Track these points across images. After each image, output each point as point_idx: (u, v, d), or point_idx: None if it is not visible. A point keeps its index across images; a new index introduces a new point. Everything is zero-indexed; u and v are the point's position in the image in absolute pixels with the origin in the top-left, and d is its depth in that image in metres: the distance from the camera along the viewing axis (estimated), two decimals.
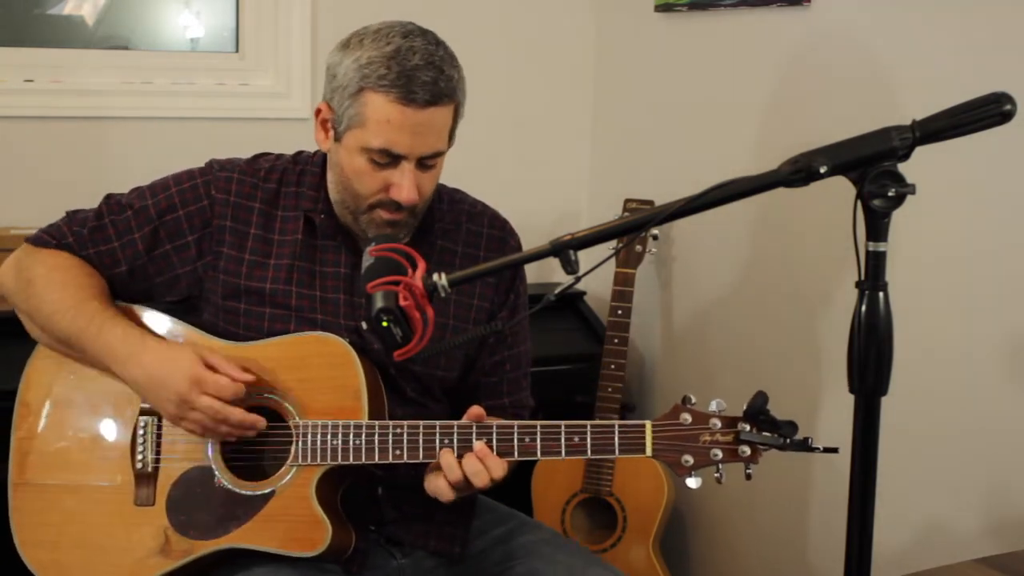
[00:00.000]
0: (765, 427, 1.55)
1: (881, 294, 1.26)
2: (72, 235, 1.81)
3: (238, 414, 1.67)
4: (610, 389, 2.61)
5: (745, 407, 1.56)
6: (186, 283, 1.81)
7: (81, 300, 1.74)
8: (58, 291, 1.75)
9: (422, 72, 1.64)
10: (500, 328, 1.82)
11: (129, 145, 2.68)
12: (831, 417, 2.28)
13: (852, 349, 1.27)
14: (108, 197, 1.85)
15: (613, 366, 2.61)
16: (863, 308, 1.26)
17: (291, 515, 1.68)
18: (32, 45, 2.70)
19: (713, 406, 1.58)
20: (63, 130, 2.64)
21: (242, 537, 1.69)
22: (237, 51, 2.86)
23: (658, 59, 2.84)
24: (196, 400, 1.66)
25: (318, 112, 1.75)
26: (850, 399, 1.29)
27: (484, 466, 1.61)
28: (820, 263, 2.34)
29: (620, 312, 2.64)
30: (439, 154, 1.71)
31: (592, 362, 2.70)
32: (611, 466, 2.60)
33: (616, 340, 2.62)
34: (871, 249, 1.25)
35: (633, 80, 2.96)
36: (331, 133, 1.74)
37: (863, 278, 1.26)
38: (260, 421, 1.69)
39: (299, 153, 1.89)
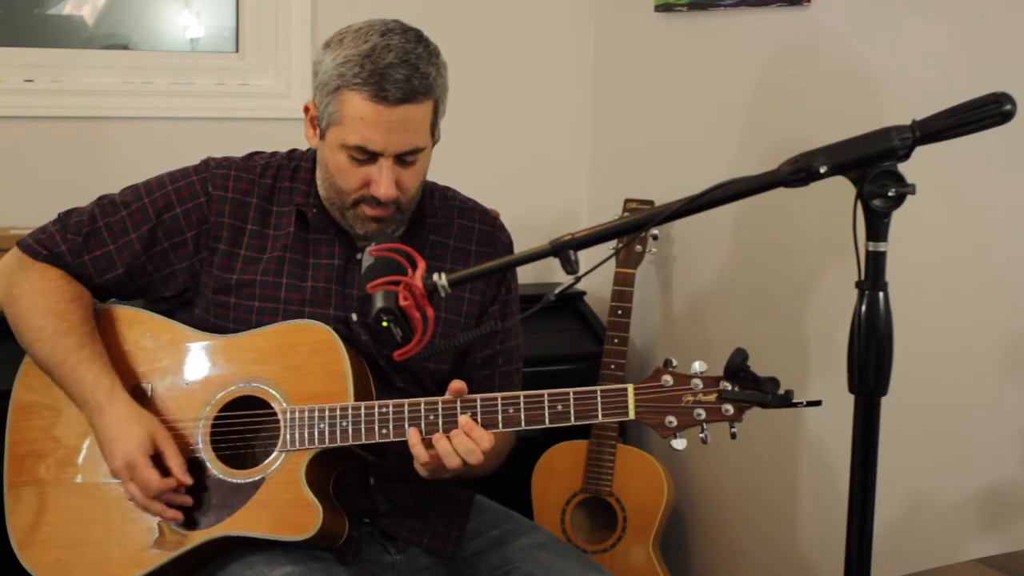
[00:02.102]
0: (747, 384, 1.54)
1: (881, 294, 1.26)
2: (66, 243, 1.81)
3: (155, 487, 1.68)
4: None
5: (725, 364, 1.54)
6: (183, 278, 1.83)
7: (60, 332, 1.75)
8: (40, 318, 1.77)
9: (395, 70, 1.65)
10: (500, 328, 1.82)
11: (129, 145, 2.67)
12: (832, 417, 2.28)
13: (852, 349, 1.27)
14: (100, 198, 1.86)
15: (613, 366, 2.61)
16: (863, 308, 1.26)
17: (282, 500, 1.69)
18: (32, 45, 2.69)
19: (695, 367, 1.58)
20: (63, 130, 2.64)
21: (234, 525, 1.70)
22: (237, 51, 2.86)
23: (658, 59, 2.84)
24: (127, 481, 1.71)
25: (307, 110, 1.78)
26: (851, 399, 1.30)
27: (472, 440, 1.62)
28: (820, 261, 2.34)
29: (620, 312, 2.64)
30: (418, 150, 1.72)
31: (592, 362, 2.70)
32: (611, 466, 2.60)
33: (616, 340, 2.62)
34: (871, 249, 1.26)
35: (633, 80, 2.96)
36: (317, 130, 1.76)
37: (863, 278, 1.26)
38: (185, 480, 1.70)
39: (293, 150, 1.91)
